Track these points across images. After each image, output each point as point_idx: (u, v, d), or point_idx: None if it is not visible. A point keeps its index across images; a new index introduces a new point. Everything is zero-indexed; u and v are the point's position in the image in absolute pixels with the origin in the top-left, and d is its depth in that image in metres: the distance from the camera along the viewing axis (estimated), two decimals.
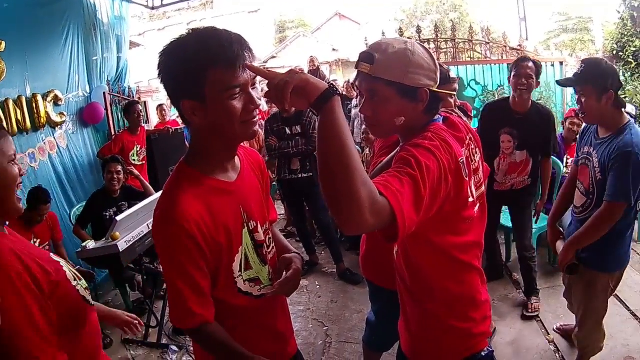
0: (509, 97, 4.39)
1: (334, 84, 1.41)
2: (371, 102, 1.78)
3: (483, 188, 1.97)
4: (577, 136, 4.01)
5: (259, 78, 1.62)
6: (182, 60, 1.54)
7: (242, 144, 1.90)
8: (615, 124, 2.93)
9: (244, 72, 1.55)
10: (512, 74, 4.21)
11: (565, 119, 6.04)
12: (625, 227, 3.03)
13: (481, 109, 4.93)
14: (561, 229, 3.42)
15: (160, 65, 1.59)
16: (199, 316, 1.65)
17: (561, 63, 8.58)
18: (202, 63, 1.51)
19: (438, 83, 1.79)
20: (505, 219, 5.18)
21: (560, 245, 3.22)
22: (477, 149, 1.97)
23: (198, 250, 1.59)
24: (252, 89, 1.61)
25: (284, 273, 1.86)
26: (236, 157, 1.84)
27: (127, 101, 7.20)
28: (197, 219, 1.58)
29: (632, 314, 4.35)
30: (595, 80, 2.88)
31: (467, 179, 1.73)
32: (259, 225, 1.85)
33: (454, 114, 2.07)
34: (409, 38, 2.10)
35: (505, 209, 5.07)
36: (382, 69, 1.70)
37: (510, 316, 4.60)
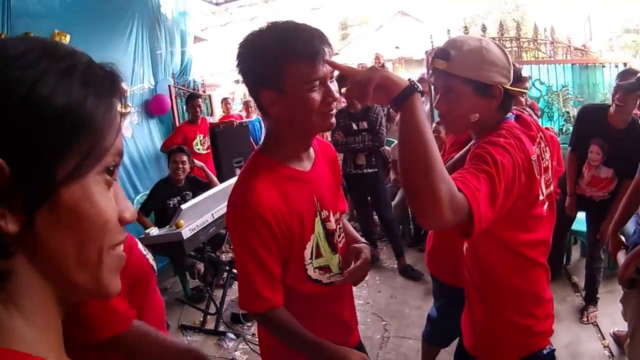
0: (609, 106, 4.14)
1: (414, 81, 1.42)
2: (446, 98, 1.81)
3: (552, 187, 1.97)
4: None
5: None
6: (262, 52, 1.58)
7: (316, 136, 1.93)
8: None
9: (324, 65, 1.58)
10: (614, 85, 4.04)
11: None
12: None
13: (579, 109, 4.84)
14: (623, 237, 3.30)
15: (240, 56, 1.63)
16: (268, 301, 1.68)
17: (625, 64, 8.32)
18: (283, 55, 1.54)
19: (511, 81, 1.80)
20: (575, 223, 5.07)
21: (621, 257, 3.04)
22: (547, 147, 1.98)
23: (271, 236, 1.62)
24: (330, 82, 1.64)
25: (353, 262, 1.88)
26: (310, 148, 1.87)
27: (188, 94, 7.36)
28: (271, 206, 1.61)
29: None
30: None
31: (539, 177, 1.74)
32: (331, 215, 1.88)
33: (525, 112, 2.08)
34: (484, 36, 2.12)
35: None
36: (457, 65, 1.72)
37: (567, 319, 4.53)
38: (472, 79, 1.72)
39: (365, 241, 2.08)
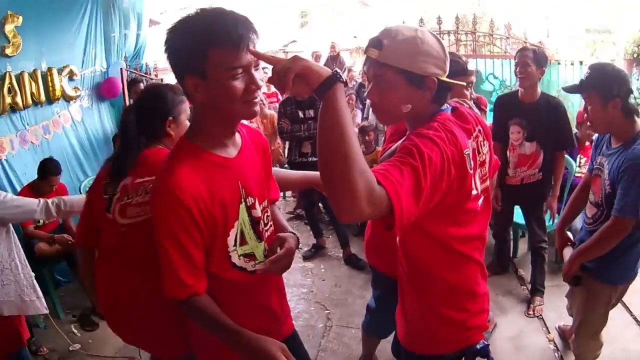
0: (518, 89, 4.41)
1: (337, 71, 1.41)
2: (378, 88, 1.78)
3: (488, 182, 1.96)
4: (593, 138, 3.92)
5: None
6: (186, 37, 1.58)
7: (244, 123, 1.93)
8: (626, 134, 2.78)
9: (247, 53, 1.58)
10: (515, 64, 4.28)
11: (578, 123, 5.97)
12: (635, 241, 2.86)
13: (494, 102, 4.94)
14: (570, 234, 3.34)
15: (167, 42, 1.63)
16: (190, 287, 1.68)
17: (581, 62, 8.42)
18: (206, 41, 1.54)
19: (447, 72, 1.77)
20: (516, 215, 5.16)
21: (567, 253, 3.11)
22: (486, 142, 1.95)
23: (192, 222, 1.63)
24: (255, 70, 1.64)
25: (278, 251, 1.88)
26: (237, 135, 1.87)
27: (129, 80, 7.28)
28: (192, 191, 1.61)
29: (635, 319, 4.30)
30: (599, 87, 2.75)
31: (472, 172, 1.72)
32: (257, 202, 1.88)
33: (464, 104, 2.07)
34: (420, 26, 2.09)
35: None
36: (390, 55, 1.69)
37: (512, 312, 4.60)
38: (405, 69, 1.69)
39: (292, 231, 2.08)
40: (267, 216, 1.99)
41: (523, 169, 4.47)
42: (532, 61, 4.13)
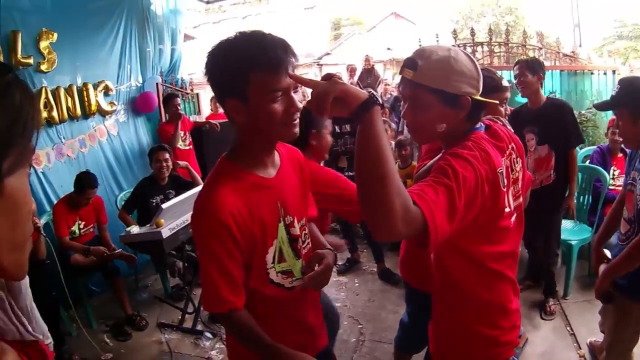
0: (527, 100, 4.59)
1: (374, 94, 1.44)
2: (413, 108, 1.81)
3: (521, 199, 1.98)
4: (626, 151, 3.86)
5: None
6: (227, 62, 1.62)
7: (284, 144, 1.97)
8: None
9: (287, 76, 1.61)
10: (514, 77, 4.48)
11: (608, 128, 5.89)
12: None
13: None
14: (607, 251, 3.28)
15: (208, 65, 1.67)
16: (230, 302, 1.71)
17: (614, 72, 8.41)
18: (246, 66, 1.58)
19: (480, 91, 1.79)
20: None
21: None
22: (519, 158, 1.98)
23: (232, 240, 1.67)
24: (294, 92, 1.67)
25: (316, 267, 1.92)
26: (276, 154, 1.90)
27: (166, 94, 7.35)
28: (233, 211, 1.65)
29: None
30: (629, 103, 2.71)
31: (505, 190, 1.74)
32: (296, 221, 1.91)
33: (498, 122, 2.08)
34: (453, 45, 2.11)
35: None
36: (424, 75, 1.72)
37: (544, 327, 4.55)
38: (439, 89, 1.72)
39: (330, 247, 2.10)
40: (305, 234, 2.02)
41: (540, 171, 4.54)
42: (527, 70, 4.36)
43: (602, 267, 3.04)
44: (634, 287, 2.86)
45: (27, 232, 0.78)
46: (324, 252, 1.98)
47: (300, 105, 1.72)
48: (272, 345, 1.72)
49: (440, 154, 1.81)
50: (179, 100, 7.04)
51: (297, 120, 1.72)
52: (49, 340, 3.28)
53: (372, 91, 1.46)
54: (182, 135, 6.85)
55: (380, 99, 1.44)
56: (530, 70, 4.34)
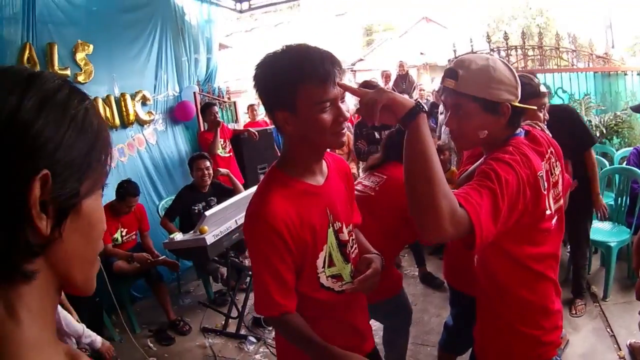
0: None
1: (420, 102, 1.51)
2: (456, 116, 1.88)
3: (562, 201, 2.02)
4: None
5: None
6: (276, 75, 1.68)
7: (329, 151, 2.03)
8: None
9: (334, 87, 1.67)
10: None
11: None
12: None
13: None
14: None
15: (256, 78, 1.73)
16: (282, 306, 1.76)
17: None
18: (295, 78, 1.63)
19: (519, 98, 1.86)
20: (593, 232, 5.10)
21: None
22: (558, 162, 2.03)
23: (284, 247, 1.72)
24: (342, 102, 1.73)
25: (364, 271, 1.95)
26: (324, 163, 1.95)
27: (204, 103, 7.42)
28: (284, 218, 1.70)
29: None
30: None
31: (546, 193, 1.79)
32: (344, 226, 1.96)
33: (537, 127, 2.13)
34: (491, 51, 2.14)
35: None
36: (465, 84, 1.80)
37: (584, 329, 4.51)
38: (480, 97, 1.79)
39: (376, 252, 2.14)
40: (352, 239, 2.06)
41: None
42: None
43: None
44: None
45: (98, 249, 0.83)
46: (372, 257, 2.02)
47: (348, 115, 1.78)
48: (324, 345, 1.75)
49: (482, 159, 1.90)
50: (216, 108, 7.13)
51: (345, 129, 1.78)
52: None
53: (418, 99, 1.56)
54: (222, 142, 6.94)
55: (425, 107, 1.49)
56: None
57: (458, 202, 1.47)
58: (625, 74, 8.15)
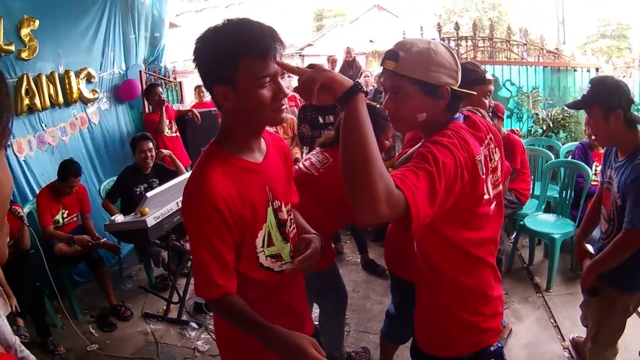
0: None
1: (359, 82, 1.51)
2: (394, 98, 1.87)
3: (501, 187, 2.03)
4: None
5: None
6: (216, 48, 1.63)
7: (268, 130, 2.00)
8: (630, 145, 2.77)
9: (274, 62, 1.63)
10: None
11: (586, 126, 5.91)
12: None
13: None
14: (590, 246, 3.28)
15: (196, 52, 1.68)
16: (222, 287, 1.71)
17: (597, 69, 8.42)
18: (235, 52, 1.59)
19: (459, 82, 1.86)
20: (530, 222, 5.24)
21: (587, 265, 3.09)
22: (497, 149, 2.04)
23: (224, 224, 1.67)
24: (282, 78, 1.70)
25: (303, 251, 1.94)
26: (262, 141, 1.93)
27: (148, 84, 7.30)
28: (224, 195, 1.65)
29: None
30: (600, 100, 2.75)
31: (484, 177, 1.80)
32: (283, 205, 1.93)
33: (478, 113, 2.14)
34: (442, 40, 2.13)
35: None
36: (406, 66, 1.78)
37: (528, 319, 4.59)
38: (420, 79, 1.78)
39: (315, 232, 2.13)
40: (291, 219, 2.04)
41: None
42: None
43: (586, 262, 3.07)
44: (618, 277, 2.91)
45: (4, 214, 0.78)
46: (311, 237, 2.01)
47: (288, 92, 1.75)
48: (268, 326, 1.72)
49: (420, 143, 1.88)
50: (160, 89, 7.04)
51: (285, 105, 1.75)
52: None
53: (357, 80, 1.53)
54: (167, 123, 6.84)
55: (363, 87, 1.47)
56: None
57: (394, 183, 1.46)
58: (575, 70, 8.29)
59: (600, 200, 3.12)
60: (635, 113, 2.80)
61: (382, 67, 1.88)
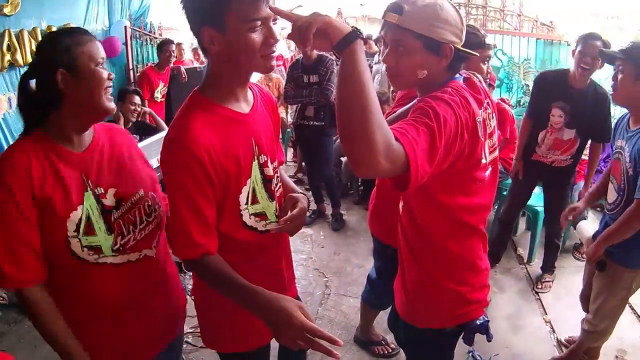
0: (568, 70, 4.14)
1: (357, 28, 1.40)
2: (395, 53, 1.77)
3: (496, 153, 1.97)
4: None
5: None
6: None
7: (256, 84, 1.92)
8: None
9: (267, 6, 1.54)
10: (578, 49, 3.93)
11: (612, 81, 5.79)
12: None
13: (535, 78, 4.75)
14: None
15: None
16: (201, 246, 1.63)
17: None
18: None
19: (463, 42, 1.78)
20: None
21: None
22: (494, 115, 1.97)
23: (205, 177, 1.59)
24: (274, 23, 1.61)
25: (290, 211, 1.87)
26: (250, 92, 1.84)
27: (162, 39, 7.19)
28: (207, 145, 1.57)
29: (631, 307, 4.22)
30: (637, 59, 2.70)
31: (483, 140, 1.73)
32: (269, 161, 1.85)
33: (475, 77, 2.04)
34: None
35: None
36: (410, 20, 1.68)
37: (510, 290, 4.60)
38: (424, 35, 1.69)
39: (302, 192, 2.06)
40: (277, 177, 1.96)
41: (557, 152, 4.26)
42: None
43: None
44: (624, 254, 2.91)
45: None
46: (298, 196, 1.94)
47: (279, 38, 1.66)
48: (254, 288, 1.59)
49: (416, 100, 1.78)
50: (174, 46, 6.96)
51: (275, 52, 1.66)
52: None
53: (355, 26, 1.42)
54: (162, 87, 6.81)
55: (362, 33, 1.37)
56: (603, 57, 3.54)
57: (394, 136, 1.37)
58: (568, 44, 8.25)
59: (607, 175, 3.09)
60: None
61: (384, 20, 1.78)
